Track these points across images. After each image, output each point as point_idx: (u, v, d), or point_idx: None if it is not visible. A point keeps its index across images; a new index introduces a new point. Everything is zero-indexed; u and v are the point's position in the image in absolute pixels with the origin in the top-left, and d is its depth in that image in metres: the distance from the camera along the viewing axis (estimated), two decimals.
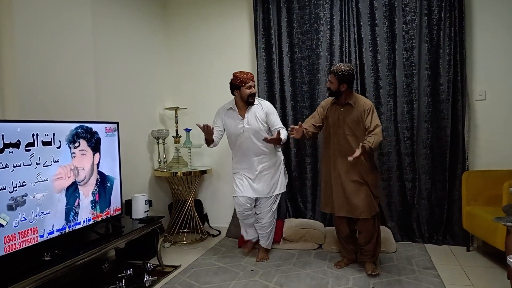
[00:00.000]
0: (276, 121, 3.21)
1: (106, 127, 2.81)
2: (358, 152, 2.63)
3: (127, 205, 3.23)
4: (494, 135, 3.46)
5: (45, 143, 2.25)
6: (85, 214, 2.58)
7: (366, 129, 2.84)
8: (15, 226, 2.04)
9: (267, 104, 3.27)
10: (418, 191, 3.63)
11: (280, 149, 3.36)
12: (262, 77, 3.97)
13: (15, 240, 2.04)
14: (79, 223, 2.52)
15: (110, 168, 2.84)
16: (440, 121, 3.52)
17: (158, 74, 4.20)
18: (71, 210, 2.45)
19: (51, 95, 2.66)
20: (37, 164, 2.18)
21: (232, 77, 3.18)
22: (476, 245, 3.45)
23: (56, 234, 2.32)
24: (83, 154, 2.57)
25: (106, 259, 2.98)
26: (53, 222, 2.30)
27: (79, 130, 2.54)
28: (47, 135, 2.27)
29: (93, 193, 2.66)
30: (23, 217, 2.09)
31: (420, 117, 3.59)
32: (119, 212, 2.94)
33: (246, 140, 3.17)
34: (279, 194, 3.30)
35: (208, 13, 4.25)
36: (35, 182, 2.16)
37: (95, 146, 2.69)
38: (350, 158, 2.65)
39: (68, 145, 2.44)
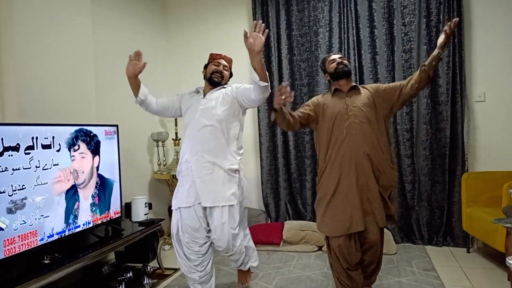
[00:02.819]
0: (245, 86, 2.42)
1: (105, 130, 2.81)
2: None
3: (126, 208, 3.23)
4: (494, 137, 3.47)
5: (45, 146, 2.26)
6: (85, 217, 2.58)
7: (398, 89, 2.31)
8: (14, 230, 2.04)
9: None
10: (418, 193, 3.63)
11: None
12: None
13: (14, 244, 2.03)
14: (79, 226, 2.52)
15: (109, 171, 2.84)
16: (439, 122, 3.53)
17: (157, 76, 4.20)
18: (70, 213, 2.45)
19: (51, 98, 2.67)
20: (36, 167, 2.18)
21: None
22: (476, 246, 3.45)
23: (56, 237, 2.32)
24: (82, 157, 2.57)
25: (106, 262, 2.98)
26: (53, 225, 2.30)
27: (79, 133, 2.55)
28: (47, 138, 2.27)
29: (92, 196, 2.65)
30: (23, 220, 2.09)
31: (419, 118, 3.59)
32: (119, 215, 2.94)
33: (198, 125, 2.36)
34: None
35: (207, 15, 4.26)
36: (35, 185, 2.16)
37: (95, 149, 2.69)
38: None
39: (68, 148, 2.44)
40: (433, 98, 3.54)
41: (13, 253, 2.02)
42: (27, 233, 2.11)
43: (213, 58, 2.56)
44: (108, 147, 2.82)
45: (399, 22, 3.61)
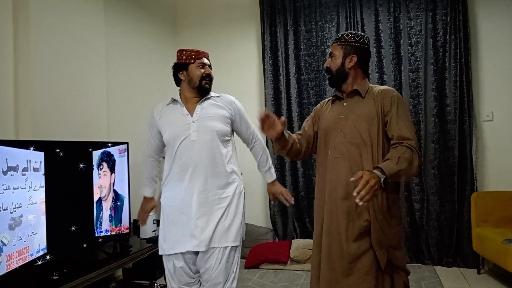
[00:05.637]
0: (249, 128, 2.07)
1: (119, 149, 2.87)
2: (355, 177, 1.40)
3: (135, 225, 3.25)
4: (503, 156, 3.45)
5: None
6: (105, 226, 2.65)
7: (390, 140, 1.61)
8: (14, 245, 2.06)
9: (231, 98, 2.07)
10: (427, 212, 3.60)
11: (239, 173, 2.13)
12: (269, 98, 4.02)
13: (13, 259, 2.06)
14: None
15: (121, 187, 2.88)
16: (447, 141, 3.53)
17: (168, 95, 4.26)
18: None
19: (65, 115, 2.73)
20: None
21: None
22: (487, 267, 3.39)
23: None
24: (105, 175, 2.70)
25: (113, 279, 2.98)
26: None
27: (103, 154, 2.69)
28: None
29: (110, 209, 2.76)
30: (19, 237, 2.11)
31: (427, 137, 3.59)
32: (128, 231, 2.96)
33: (194, 147, 1.91)
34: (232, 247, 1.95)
35: (217, 35, 4.34)
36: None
37: (112, 167, 2.80)
38: (352, 179, 1.41)
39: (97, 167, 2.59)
40: (441, 117, 3.55)
41: (12, 268, 2.04)
42: (22, 249, 2.14)
43: (194, 57, 1.99)
44: (120, 164, 2.87)
45: (406, 42, 3.65)
